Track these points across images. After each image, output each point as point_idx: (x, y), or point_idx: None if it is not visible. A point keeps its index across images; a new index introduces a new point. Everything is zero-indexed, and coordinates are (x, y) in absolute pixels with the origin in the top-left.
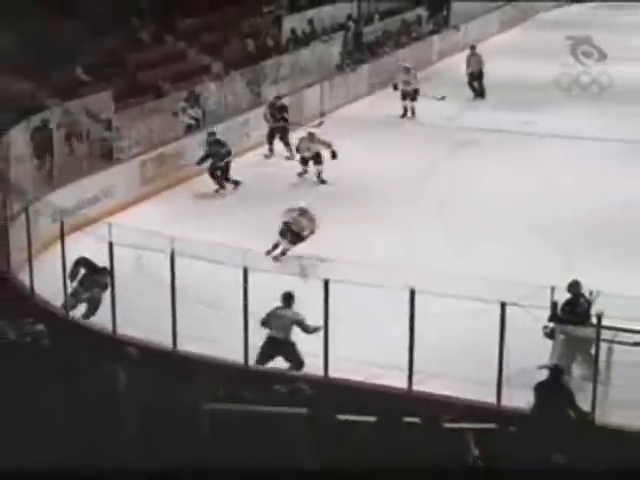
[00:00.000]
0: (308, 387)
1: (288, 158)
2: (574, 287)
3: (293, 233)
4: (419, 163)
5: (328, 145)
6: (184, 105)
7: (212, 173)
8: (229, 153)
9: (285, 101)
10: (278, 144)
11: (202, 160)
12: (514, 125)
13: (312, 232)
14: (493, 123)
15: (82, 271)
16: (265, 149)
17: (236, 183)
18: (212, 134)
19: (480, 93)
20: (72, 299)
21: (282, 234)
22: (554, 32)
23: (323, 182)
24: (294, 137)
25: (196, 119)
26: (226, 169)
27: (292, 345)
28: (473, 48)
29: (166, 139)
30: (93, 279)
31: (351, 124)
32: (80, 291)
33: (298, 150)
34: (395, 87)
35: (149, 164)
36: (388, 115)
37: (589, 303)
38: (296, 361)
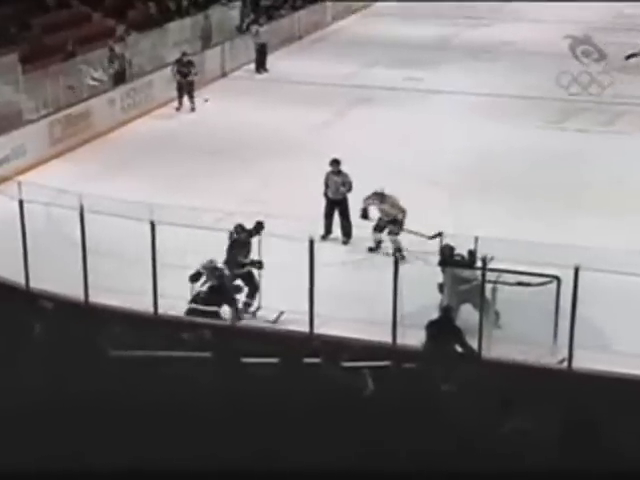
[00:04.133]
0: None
1: (193, 110)
2: (446, 250)
3: (390, 223)
4: (312, 120)
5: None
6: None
7: (180, 88)
8: (196, 74)
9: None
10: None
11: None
12: (402, 82)
13: (403, 212)
14: (385, 81)
15: None
16: (175, 103)
17: (193, 109)
18: (185, 54)
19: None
20: None
21: (379, 229)
22: None
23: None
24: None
25: (101, 81)
26: (192, 86)
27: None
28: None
29: (73, 100)
30: None
31: (250, 83)
32: None
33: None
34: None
35: (57, 125)
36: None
37: (475, 252)
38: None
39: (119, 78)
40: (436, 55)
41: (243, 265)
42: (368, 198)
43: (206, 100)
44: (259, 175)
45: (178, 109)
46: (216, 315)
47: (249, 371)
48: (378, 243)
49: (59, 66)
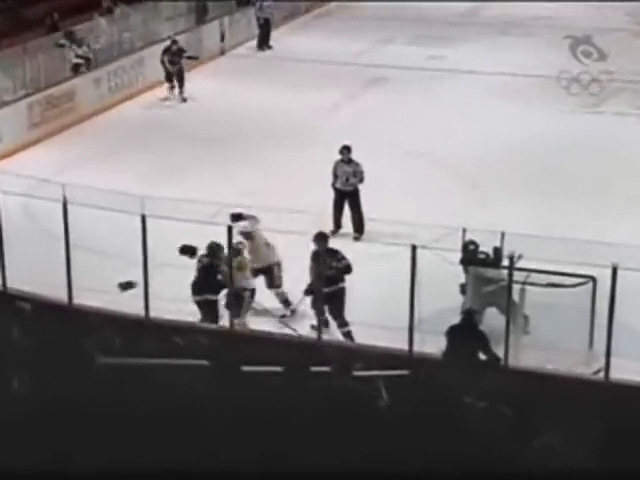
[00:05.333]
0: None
1: (184, 100)
2: (469, 245)
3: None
4: (320, 103)
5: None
6: (63, 42)
7: (169, 77)
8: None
9: (181, 44)
10: None
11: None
12: (422, 61)
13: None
14: (402, 59)
15: None
16: (164, 89)
17: (184, 100)
18: (175, 42)
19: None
20: None
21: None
22: None
23: None
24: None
25: (86, 58)
26: (182, 74)
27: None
28: None
29: (55, 80)
30: None
31: (251, 61)
32: None
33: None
34: None
35: (37, 107)
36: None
37: (501, 250)
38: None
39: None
40: (460, 31)
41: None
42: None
43: (184, 100)
44: (261, 165)
45: (168, 98)
46: (213, 307)
47: (250, 380)
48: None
49: (39, 41)
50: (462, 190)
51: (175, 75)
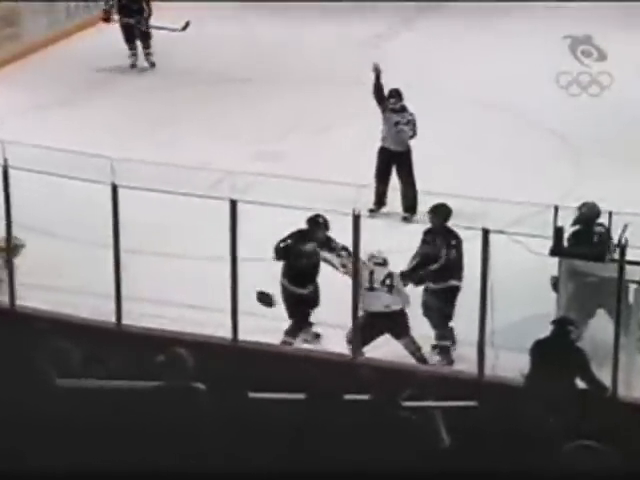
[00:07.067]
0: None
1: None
2: (588, 210)
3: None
4: (359, 33)
5: None
6: None
7: (128, 36)
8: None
9: None
10: None
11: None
12: None
13: None
14: None
15: None
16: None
17: (152, 65)
18: None
19: None
20: None
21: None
22: None
23: None
24: None
25: None
26: (147, 35)
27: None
28: None
29: None
30: None
31: None
32: None
33: None
34: None
35: None
36: None
37: (608, 233)
38: None
39: None
40: None
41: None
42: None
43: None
44: (279, 116)
45: (133, 66)
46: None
47: (260, 411)
48: None
49: None
50: (551, 156)
51: (136, 31)
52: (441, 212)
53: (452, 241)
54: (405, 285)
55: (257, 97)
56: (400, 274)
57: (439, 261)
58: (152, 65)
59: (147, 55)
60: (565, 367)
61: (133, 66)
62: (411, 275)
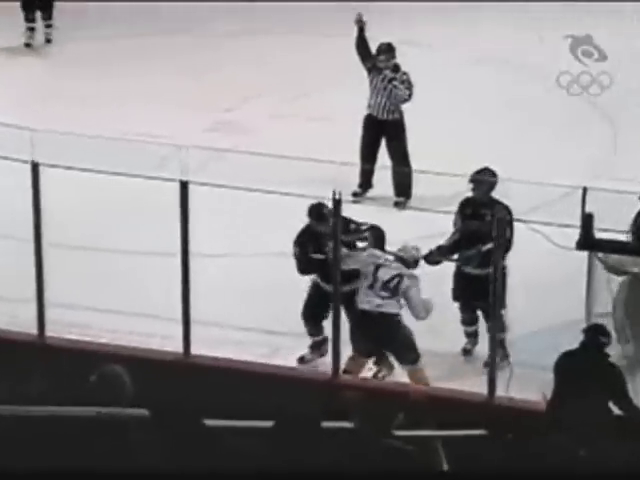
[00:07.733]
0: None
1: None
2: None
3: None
4: None
5: None
6: None
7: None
8: None
9: None
10: None
11: None
12: None
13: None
14: None
15: None
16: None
17: (48, 40)
18: None
19: None
20: None
21: None
22: None
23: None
24: None
25: None
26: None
27: None
28: None
29: None
30: None
31: None
32: None
33: None
34: None
35: None
36: None
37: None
38: None
39: None
40: None
41: None
42: None
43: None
44: (236, 78)
45: (28, 45)
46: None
47: (220, 442)
48: None
49: None
50: (581, 127)
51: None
52: (487, 180)
53: (506, 216)
54: (434, 262)
55: (213, 54)
56: (437, 248)
57: (497, 240)
58: (48, 41)
59: (47, 27)
60: (596, 386)
61: (28, 45)
62: (451, 252)
